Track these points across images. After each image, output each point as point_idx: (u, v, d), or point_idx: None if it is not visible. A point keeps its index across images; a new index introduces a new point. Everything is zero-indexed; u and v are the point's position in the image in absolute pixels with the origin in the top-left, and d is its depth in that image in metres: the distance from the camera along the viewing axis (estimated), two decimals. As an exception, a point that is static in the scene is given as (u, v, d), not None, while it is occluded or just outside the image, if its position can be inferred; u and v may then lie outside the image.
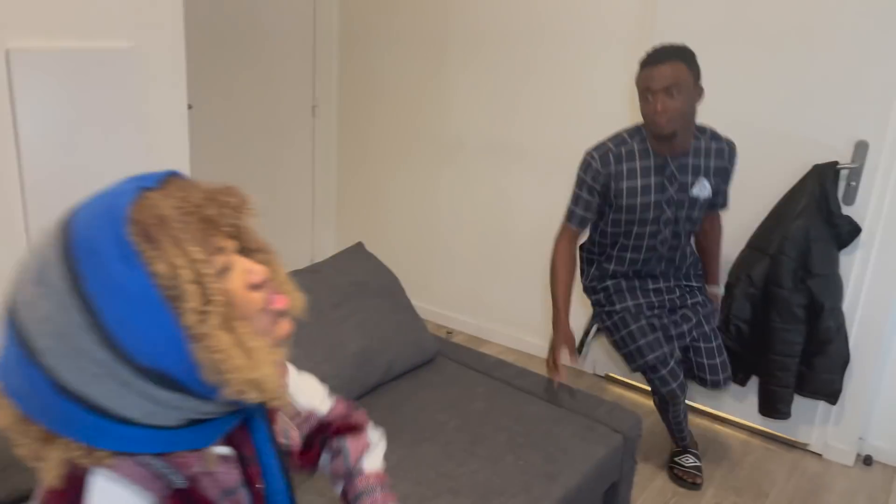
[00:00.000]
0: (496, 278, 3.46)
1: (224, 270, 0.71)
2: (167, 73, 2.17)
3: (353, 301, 2.14)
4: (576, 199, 2.19)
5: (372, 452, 1.15)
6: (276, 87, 3.51)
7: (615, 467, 2.01)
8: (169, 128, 2.22)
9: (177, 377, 0.67)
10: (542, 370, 3.16)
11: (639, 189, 2.12)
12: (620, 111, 2.93)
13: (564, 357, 2.23)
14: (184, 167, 2.29)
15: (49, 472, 0.70)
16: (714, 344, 2.31)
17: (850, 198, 2.49)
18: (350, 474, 1.11)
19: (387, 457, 1.82)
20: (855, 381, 2.61)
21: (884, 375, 2.64)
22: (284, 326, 0.78)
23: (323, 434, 1.11)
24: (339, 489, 1.13)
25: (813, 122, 2.51)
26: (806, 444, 2.76)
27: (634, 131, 2.15)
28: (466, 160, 3.41)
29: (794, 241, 2.47)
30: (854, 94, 2.42)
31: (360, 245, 2.42)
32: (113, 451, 0.70)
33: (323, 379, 1.93)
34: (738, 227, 2.67)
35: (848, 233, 2.48)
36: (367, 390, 2.07)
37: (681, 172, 2.13)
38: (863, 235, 2.48)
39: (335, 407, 1.14)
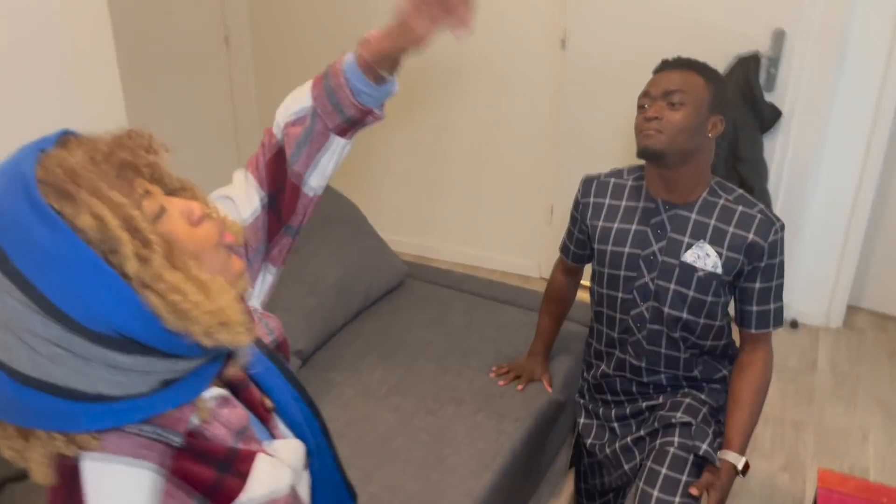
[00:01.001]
0: (435, 196, 3.49)
1: (161, 214, 0.67)
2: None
3: (321, 233, 2.14)
4: (567, 225, 1.81)
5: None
6: (182, 17, 3.29)
7: (591, 359, 2.16)
8: (96, 65, 2.07)
9: (136, 336, 0.62)
10: (502, 279, 3.28)
11: (613, 233, 1.62)
12: (550, 26, 2.95)
13: (521, 377, 1.91)
14: (118, 108, 2.16)
15: (36, 470, 0.66)
16: (663, 471, 1.51)
17: (771, 85, 2.66)
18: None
19: (385, 377, 1.88)
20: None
21: (804, 246, 2.90)
22: (237, 262, 0.75)
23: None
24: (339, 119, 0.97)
25: (733, 13, 2.63)
26: (740, 317, 3.03)
27: (636, 168, 1.68)
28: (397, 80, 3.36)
29: (724, 130, 2.61)
30: (770, -15, 2.55)
31: (314, 177, 2.39)
32: (95, 432, 0.66)
33: (308, 312, 1.96)
34: (669, 122, 2.80)
35: (771, 118, 2.65)
36: (350, 318, 2.10)
37: (674, 227, 1.56)
38: (783, 119, 2.67)
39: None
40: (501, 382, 1.87)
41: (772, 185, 2.74)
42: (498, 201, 3.36)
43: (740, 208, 1.54)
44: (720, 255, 1.53)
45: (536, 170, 3.21)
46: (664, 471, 1.48)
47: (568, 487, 2.07)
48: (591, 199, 1.68)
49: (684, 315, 1.58)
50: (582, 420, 1.81)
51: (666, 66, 1.58)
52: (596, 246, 1.67)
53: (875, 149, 2.69)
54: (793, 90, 2.64)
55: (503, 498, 1.64)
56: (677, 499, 1.45)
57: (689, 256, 1.55)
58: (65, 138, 0.67)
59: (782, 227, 1.54)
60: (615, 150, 2.98)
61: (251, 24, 3.58)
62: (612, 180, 1.68)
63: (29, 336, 0.59)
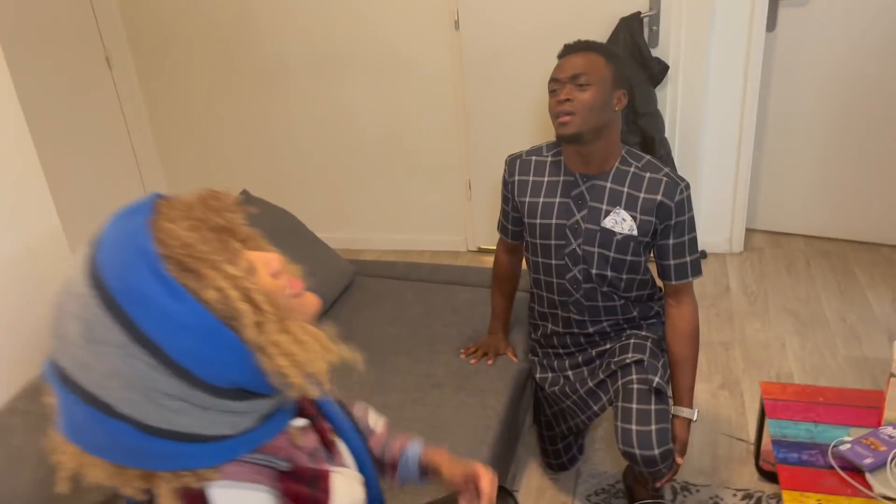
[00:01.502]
0: (354, 188, 3.53)
1: (252, 270, 0.74)
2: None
3: (269, 249, 2.16)
4: (501, 205, 1.95)
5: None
6: (61, 41, 3.13)
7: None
8: None
9: (248, 387, 0.72)
10: (444, 260, 3.39)
11: (540, 207, 1.79)
12: (440, 3, 3.03)
13: (488, 354, 2.03)
14: (24, 137, 2.07)
15: (166, 502, 0.73)
16: (634, 406, 1.67)
17: (654, 41, 2.87)
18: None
19: (365, 377, 1.95)
20: (684, 194, 3.11)
21: (702, 183, 3.17)
22: (312, 301, 0.84)
23: None
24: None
25: (611, -20, 2.81)
26: (655, 256, 3.28)
27: (555, 143, 1.82)
28: (294, 79, 3.35)
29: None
30: (641, -52, 2.73)
31: (245, 192, 2.39)
32: (217, 466, 0.75)
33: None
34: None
35: (659, 71, 2.87)
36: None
37: (592, 196, 1.74)
38: (670, 72, 2.89)
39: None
40: (472, 361, 2.00)
41: (668, 134, 2.98)
42: (416, 183, 3.44)
43: (648, 174, 1.72)
44: (635, 218, 1.71)
45: (449, 148, 3.32)
46: (635, 406, 1.66)
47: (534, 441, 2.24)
48: (516, 178, 1.84)
49: (609, 273, 1.77)
50: (538, 374, 1.98)
51: (568, 50, 1.73)
52: (526, 220, 1.83)
53: (750, 88, 2.97)
54: (674, 44, 2.87)
55: (498, 465, 1.77)
56: (653, 427, 1.63)
57: (608, 222, 1.73)
58: (158, 203, 0.73)
59: (687, 186, 1.73)
60: (521, 122, 3.12)
61: (130, 42, 3.45)
62: (533, 158, 1.84)
63: (156, 394, 0.67)
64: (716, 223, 3.26)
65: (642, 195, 1.71)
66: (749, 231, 3.38)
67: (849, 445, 1.62)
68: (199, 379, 0.67)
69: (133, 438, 0.68)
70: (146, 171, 3.62)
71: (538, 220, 1.80)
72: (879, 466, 1.56)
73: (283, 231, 2.26)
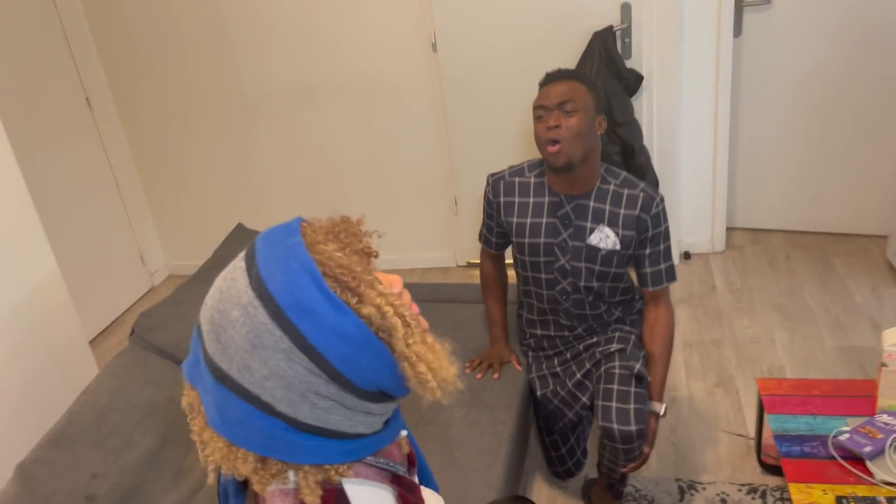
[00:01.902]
0: (342, 211, 3.56)
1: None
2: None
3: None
4: (483, 219, 2.05)
5: None
6: (36, 87, 3.13)
7: (541, 334, 2.36)
8: None
9: (388, 390, 0.81)
10: (440, 278, 3.43)
11: (528, 227, 1.88)
12: (417, 27, 3.09)
13: (493, 365, 2.07)
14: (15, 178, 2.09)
15: (309, 493, 0.80)
16: (615, 387, 1.77)
17: (628, 53, 2.95)
18: None
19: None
20: (665, 196, 3.19)
21: (682, 187, 3.26)
22: (423, 320, 0.91)
23: None
24: None
25: (582, -4, 2.89)
26: (641, 260, 3.36)
27: (536, 164, 1.92)
28: (277, 109, 3.39)
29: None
30: (609, -36, 2.81)
31: (241, 226, 2.42)
32: (351, 462, 0.84)
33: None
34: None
35: (634, 82, 2.95)
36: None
37: (577, 215, 1.84)
38: (645, 81, 2.97)
39: None
40: (479, 376, 2.05)
41: (647, 142, 3.06)
42: (404, 203, 3.49)
43: (626, 191, 1.83)
44: (617, 234, 1.83)
45: (434, 167, 3.37)
46: (616, 387, 1.78)
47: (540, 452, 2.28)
48: (502, 199, 1.94)
49: (595, 284, 1.90)
50: (529, 375, 2.08)
51: (551, 78, 1.83)
52: (515, 239, 1.93)
53: (722, 92, 3.07)
54: (647, 54, 2.95)
55: (511, 479, 1.82)
56: (631, 406, 1.74)
57: (593, 239, 1.85)
58: (304, 226, 0.82)
59: (662, 199, 1.86)
60: (503, 137, 3.19)
61: (109, 82, 3.46)
62: (517, 179, 1.93)
63: (311, 394, 0.75)
64: (697, 224, 3.35)
65: (622, 211, 1.83)
66: (730, 230, 3.48)
67: (847, 435, 1.69)
68: (350, 382, 0.76)
69: (286, 433, 0.77)
70: (132, 208, 3.62)
71: (527, 240, 1.90)
72: (878, 453, 1.63)
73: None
